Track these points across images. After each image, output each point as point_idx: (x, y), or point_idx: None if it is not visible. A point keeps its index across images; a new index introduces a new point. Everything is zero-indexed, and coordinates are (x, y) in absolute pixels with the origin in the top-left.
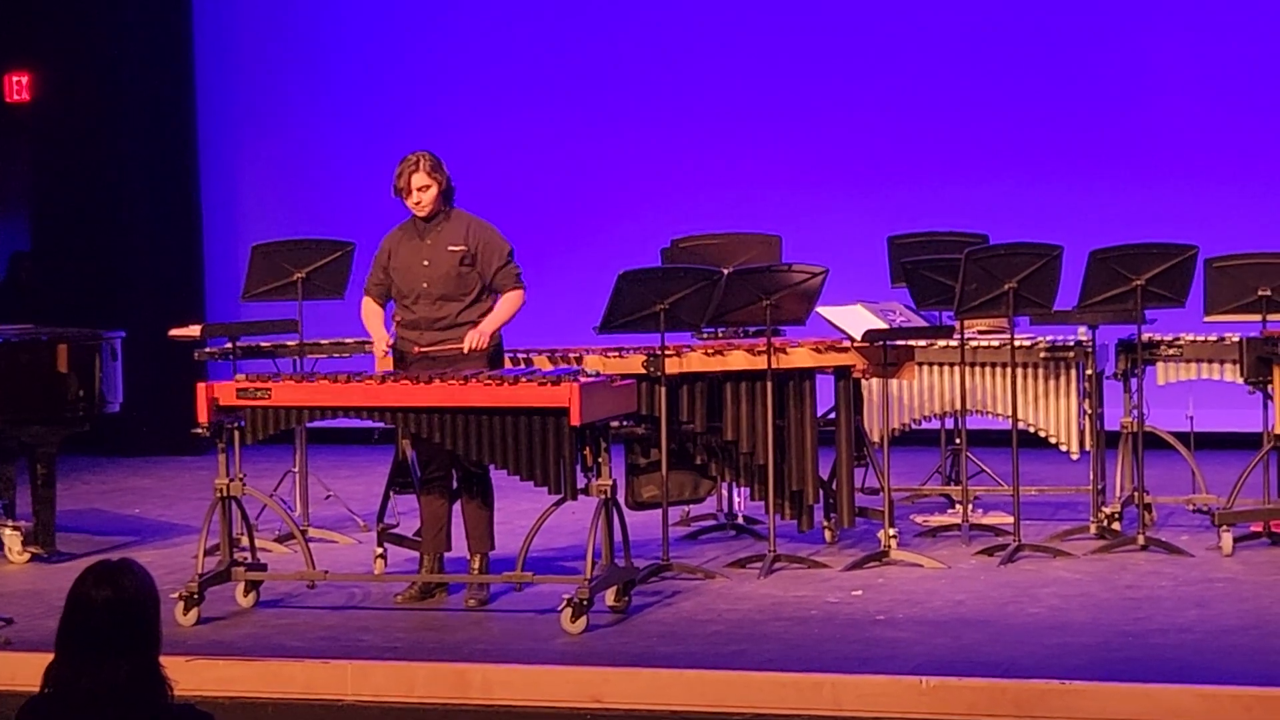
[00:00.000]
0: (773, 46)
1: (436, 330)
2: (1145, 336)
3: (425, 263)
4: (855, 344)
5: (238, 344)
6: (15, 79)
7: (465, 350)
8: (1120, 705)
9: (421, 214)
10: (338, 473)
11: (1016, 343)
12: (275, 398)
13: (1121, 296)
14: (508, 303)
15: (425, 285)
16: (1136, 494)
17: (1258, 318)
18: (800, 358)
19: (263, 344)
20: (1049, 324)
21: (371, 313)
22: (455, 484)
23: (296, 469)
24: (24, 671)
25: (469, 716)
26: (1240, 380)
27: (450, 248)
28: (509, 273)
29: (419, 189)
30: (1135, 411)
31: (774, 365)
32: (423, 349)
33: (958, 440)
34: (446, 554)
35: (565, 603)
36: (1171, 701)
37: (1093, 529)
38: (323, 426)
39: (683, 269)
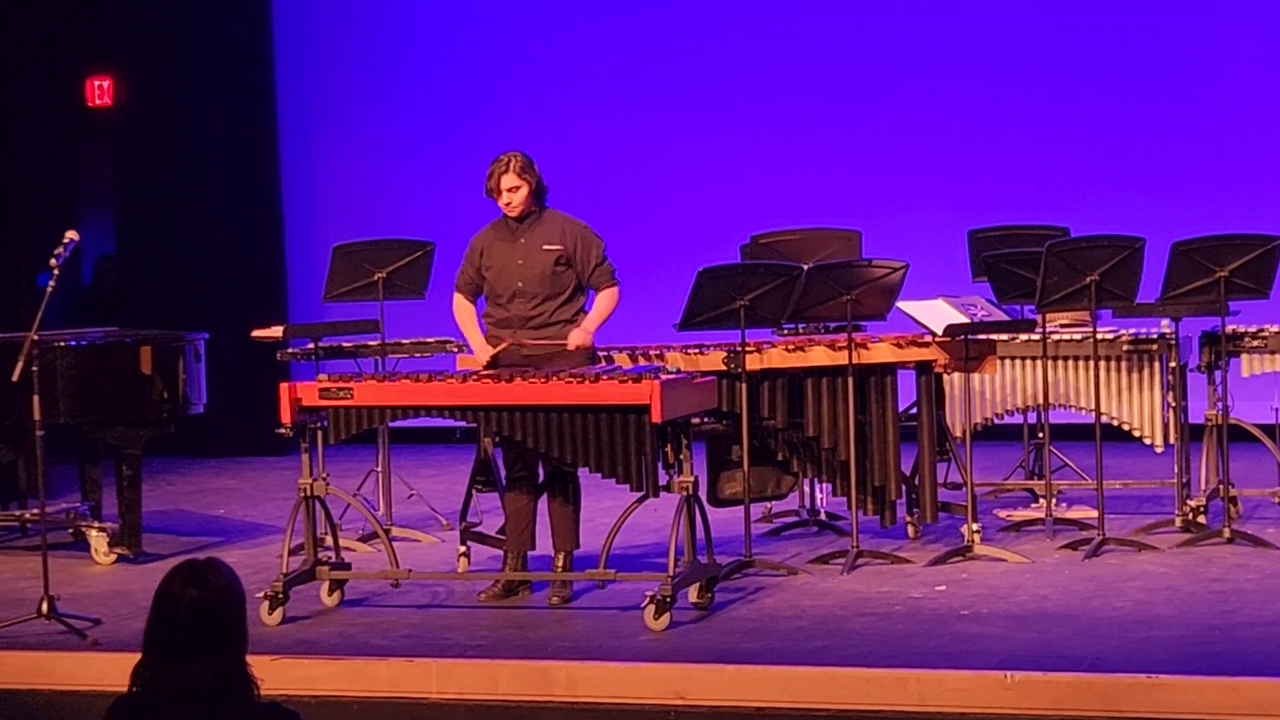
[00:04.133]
0: (852, 43)
1: (530, 329)
2: (1229, 328)
3: (520, 262)
4: (936, 339)
5: (320, 344)
6: (97, 83)
7: (570, 348)
8: (1207, 699)
9: (512, 214)
10: (420, 472)
11: (1099, 336)
12: (357, 397)
13: (1205, 288)
14: (605, 300)
15: (520, 284)
16: (1222, 487)
17: None
18: (881, 353)
19: (345, 344)
20: (1131, 317)
21: (465, 311)
22: (540, 481)
23: (379, 468)
24: (111, 671)
25: (553, 714)
26: None
27: (545, 247)
28: (605, 270)
29: (509, 189)
30: (1220, 404)
31: (855, 361)
32: (524, 351)
33: (1040, 434)
34: (530, 552)
35: (648, 599)
36: (1258, 695)
37: (1178, 522)
38: (405, 426)
39: (762, 265)
